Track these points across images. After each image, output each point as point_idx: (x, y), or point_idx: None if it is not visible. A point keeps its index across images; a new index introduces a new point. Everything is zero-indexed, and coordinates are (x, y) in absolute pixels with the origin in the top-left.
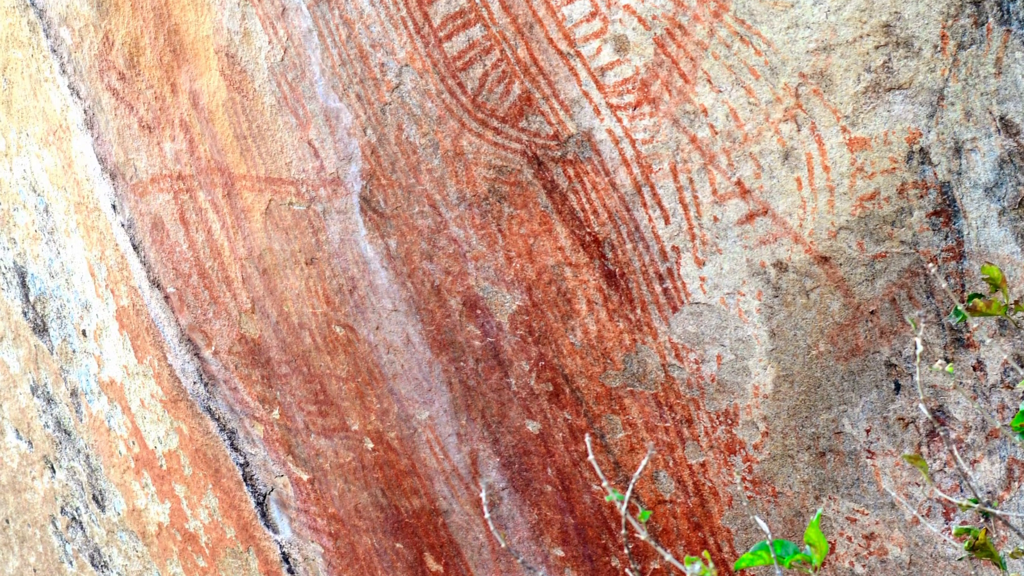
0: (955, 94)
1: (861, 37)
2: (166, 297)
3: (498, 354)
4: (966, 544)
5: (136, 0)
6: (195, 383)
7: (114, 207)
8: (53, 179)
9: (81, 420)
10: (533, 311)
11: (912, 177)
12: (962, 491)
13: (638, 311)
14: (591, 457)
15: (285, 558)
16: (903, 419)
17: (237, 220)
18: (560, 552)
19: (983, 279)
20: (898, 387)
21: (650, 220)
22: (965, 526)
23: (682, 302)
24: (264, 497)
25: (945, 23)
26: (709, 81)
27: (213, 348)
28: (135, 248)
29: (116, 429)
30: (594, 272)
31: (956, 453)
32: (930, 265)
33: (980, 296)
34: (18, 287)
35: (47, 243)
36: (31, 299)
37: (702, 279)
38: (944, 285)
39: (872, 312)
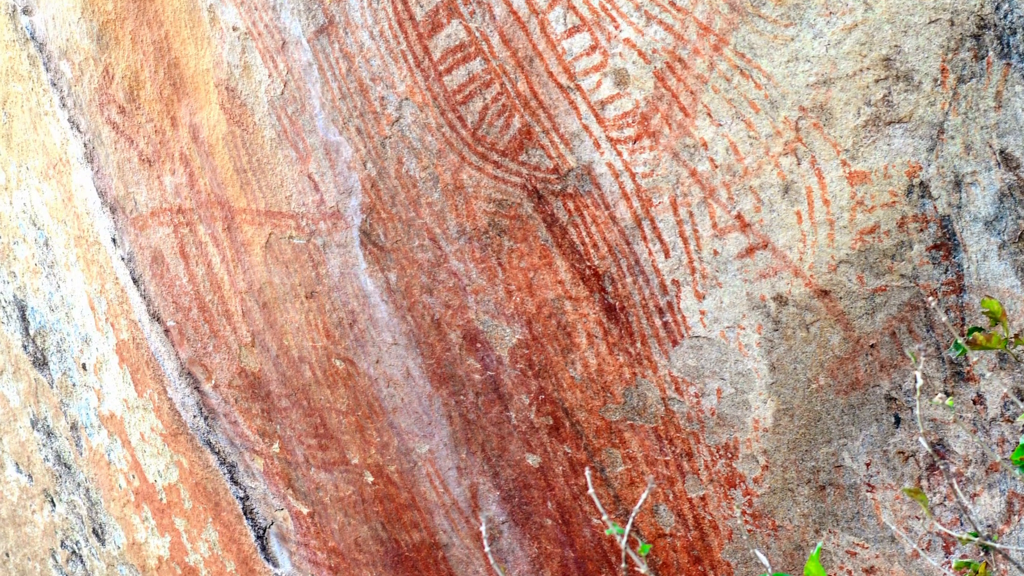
0: (955, 128)
1: (861, 71)
2: (166, 331)
3: (498, 388)
4: None
5: (136, 34)
6: (195, 417)
7: (114, 241)
8: (53, 213)
9: (81, 454)
10: (533, 345)
11: (912, 211)
12: (962, 525)
13: (638, 345)
14: (591, 491)
15: None
16: (903, 453)
17: (237, 254)
18: None
19: (983, 313)
20: (898, 420)
21: (650, 254)
22: (965, 560)
23: (682, 336)
24: (264, 531)
25: (945, 57)
26: (709, 115)
27: (213, 382)
28: (135, 282)
29: (116, 463)
30: (594, 306)
31: (956, 487)
32: (930, 299)
33: (980, 330)
34: (18, 321)
35: (47, 277)
36: (31, 333)
37: (702, 313)
38: (944, 319)
39: (872, 346)
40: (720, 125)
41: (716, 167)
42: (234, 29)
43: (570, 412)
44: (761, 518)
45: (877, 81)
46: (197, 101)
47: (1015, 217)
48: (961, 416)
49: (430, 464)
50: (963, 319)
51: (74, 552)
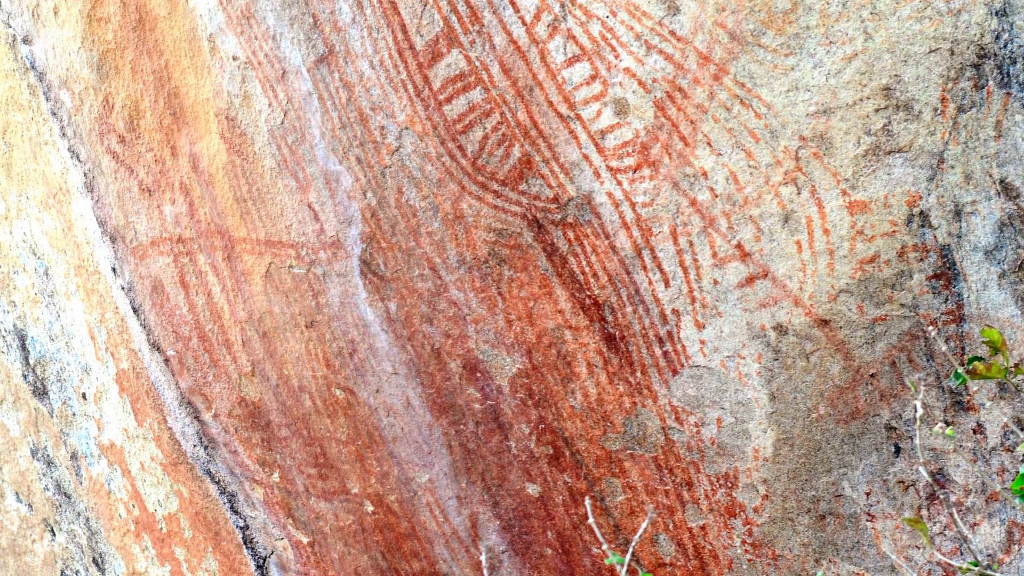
0: (955, 157)
1: (861, 100)
2: (166, 360)
3: (498, 417)
4: None
5: (136, 63)
6: (195, 446)
7: (114, 270)
8: (53, 242)
9: (81, 483)
10: (533, 374)
11: (912, 240)
12: (962, 554)
13: (638, 374)
14: (591, 520)
15: None
16: (903, 482)
17: (237, 283)
18: None
19: (983, 342)
20: (898, 450)
21: (650, 283)
22: None
23: (682, 365)
24: (264, 560)
25: (945, 86)
26: (709, 144)
27: (213, 411)
28: (135, 311)
29: (116, 492)
30: (594, 335)
31: (956, 516)
32: (930, 328)
33: (980, 359)
34: (18, 350)
35: (47, 306)
36: (31, 362)
37: (702, 342)
38: (944, 348)
39: (872, 375)
40: (720, 154)
41: (716, 196)
42: (234, 58)
43: (570, 441)
44: (761, 547)
45: (877, 110)
46: (197, 130)
47: (1015, 246)
48: (961, 445)
49: (430, 493)
50: (963, 348)
51: None
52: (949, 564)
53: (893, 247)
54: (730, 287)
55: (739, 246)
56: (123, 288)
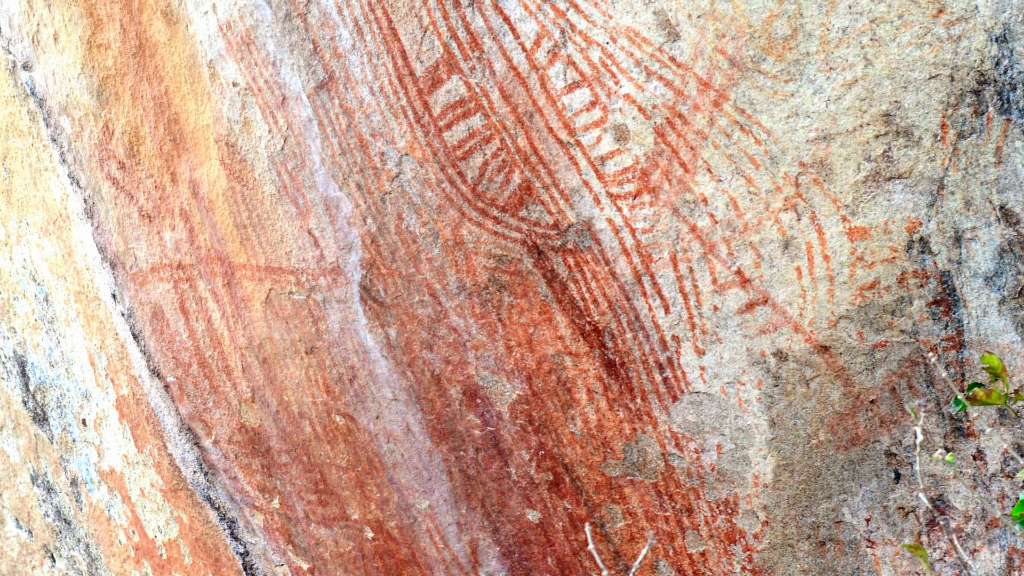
0: (955, 183)
1: (861, 126)
2: (166, 386)
3: (498, 443)
4: None
5: (136, 89)
6: (195, 472)
7: (114, 296)
8: (53, 268)
9: (81, 509)
10: (533, 400)
11: (912, 266)
12: None
13: (638, 400)
14: (591, 546)
15: None
16: (903, 508)
17: (237, 309)
18: None
19: (983, 368)
20: (898, 476)
21: (650, 309)
22: None
23: (682, 391)
24: None
25: (945, 112)
26: (709, 170)
27: (213, 437)
28: (135, 337)
29: (116, 518)
30: (594, 361)
31: (956, 542)
32: (930, 354)
33: (980, 385)
34: (18, 376)
35: (47, 332)
36: (31, 388)
37: (702, 368)
38: (944, 374)
39: (872, 401)
40: (720, 180)
41: (716, 222)
42: (234, 85)
43: (570, 467)
44: (761, 574)
45: (877, 136)
46: (197, 156)
47: (1015, 273)
48: (961, 472)
49: (430, 520)
50: (963, 375)
51: None
52: None
53: (893, 273)
54: (730, 313)
55: (739, 272)
56: (123, 314)
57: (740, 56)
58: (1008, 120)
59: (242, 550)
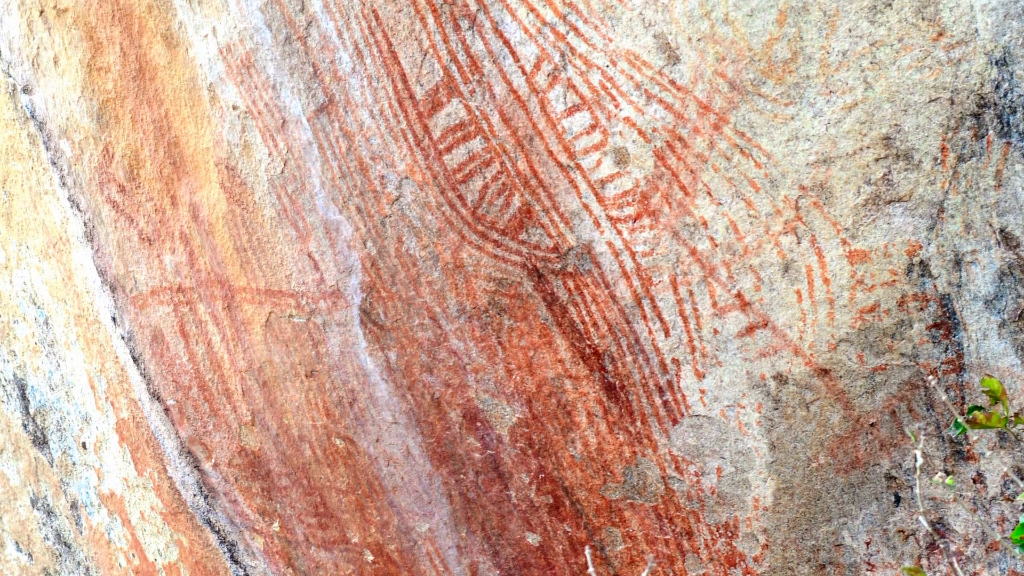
0: (955, 206)
1: (861, 149)
2: (166, 409)
3: (498, 466)
4: None
5: (136, 113)
6: (195, 495)
7: (114, 319)
8: (53, 291)
9: (81, 532)
10: (533, 423)
11: (912, 289)
12: None
13: (638, 423)
14: (591, 569)
15: None
16: (903, 531)
17: (237, 332)
18: None
19: (983, 391)
20: (898, 499)
21: (650, 332)
22: None
23: (682, 414)
24: None
25: (945, 136)
26: (709, 193)
27: (213, 460)
28: (135, 360)
29: (116, 541)
30: (594, 384)
31: (956, 565)
32: (930, 377)
33: (980, 408)
34: (18, 399)
35: (47, 355)
36: (31, 411)
37: (702, 391)
38: (944, 397)
39: (872, 424)
40: (720, 204)
41: (716, 246)
42: (234, 108)
43: (570, 491)
44: None
45: (877, 160)
46: (197, 180)
47: (1015, 296)
48: (961, 495)
49: (430, 543)
50: (963, 398)
51: None
52: None
53: (893, 296)
54: (730, 336)
55: (739, 295)
56: (123, 337)
57: (740, 79)
58: (1008, 143)
59: (242, 573)
